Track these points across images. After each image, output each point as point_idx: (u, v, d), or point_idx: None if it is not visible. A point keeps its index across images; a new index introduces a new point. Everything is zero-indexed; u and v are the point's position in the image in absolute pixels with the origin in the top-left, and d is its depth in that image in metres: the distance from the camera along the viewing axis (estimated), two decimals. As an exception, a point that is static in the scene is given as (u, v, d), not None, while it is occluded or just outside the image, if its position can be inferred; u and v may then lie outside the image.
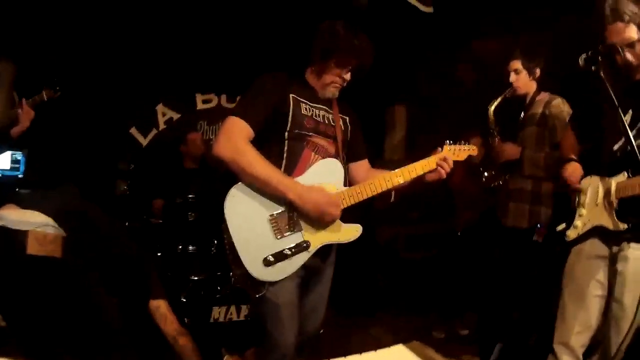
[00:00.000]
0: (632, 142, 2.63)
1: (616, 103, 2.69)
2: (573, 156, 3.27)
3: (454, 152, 3.16)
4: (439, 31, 5.69)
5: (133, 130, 7.17)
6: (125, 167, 6.41)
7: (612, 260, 2.98)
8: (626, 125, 2.68)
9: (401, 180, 2.98)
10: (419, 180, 3.06)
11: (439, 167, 3.04)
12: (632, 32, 2.83)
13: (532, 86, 4.42)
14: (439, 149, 3.13)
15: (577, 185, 3.12)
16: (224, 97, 7.59)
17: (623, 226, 2.88)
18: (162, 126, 7.28)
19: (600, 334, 3.06)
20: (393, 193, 3.16)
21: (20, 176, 6.05)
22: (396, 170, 3.00)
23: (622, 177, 2.91)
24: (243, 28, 6.17)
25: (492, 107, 4.44)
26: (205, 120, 7.48)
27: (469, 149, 3.22)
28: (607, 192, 2.98)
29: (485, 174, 4.62)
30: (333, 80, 3.03)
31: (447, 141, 3.19)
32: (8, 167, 5.99)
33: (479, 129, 4.58)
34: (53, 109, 4.35)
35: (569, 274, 3.20)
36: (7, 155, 5.95)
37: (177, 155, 6.27)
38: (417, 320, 5.93)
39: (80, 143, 6.39)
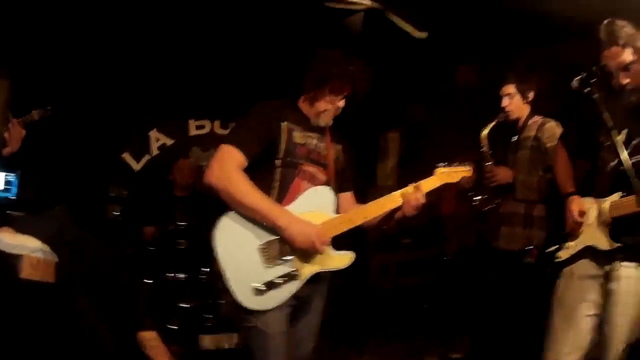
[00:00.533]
0: (623, 163, 2.66)
1: (610, 124, 2.73)
2: (571, 187, 3.28)
3: (447, 175, 3.16)
4: (433, 57, 5.76)
5: (126, 155, 7.15)
6: (117, 192, 6.46)
7: (605, 279, 3.00)
8: (618, 147, 2.70)
9: (394, 205, 2.99)
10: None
11: (409, 202, 3.00)
12: (627, 55, 2.89)
13: (525, 109, 4.45)
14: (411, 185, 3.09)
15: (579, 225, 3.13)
16: (217, 123, 7.57)
17: (616, 245, 2.91)
18: (155, 152, 7.26)
19: (593, 354, 3.07)
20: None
21: (12, 197, 6.05)
22: (389, 195, 3.02)
23: (616, 196, 2.94)
24: (237, 54, 6.20)
25: (486, 132, 4.45)
26: (199, 147, 7.45)
27: (463, 170, 3.22)
28: (600, 212, 3.02)
29: (478, 197, 4.63)
30: (327, 108, 3.03)
31: (441, 164, 3.20)
32: (1, 188, 5.99)
33: (471, 154, 4.61)
34: (48, 130, 4.37)
35: (559, 294, 3.21)
36: (1, 177, 5.95)
37: (168, 182, 6.29)
38: (410, 346, 5.92)
39: (73, 165, 6.42)
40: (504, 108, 4.42)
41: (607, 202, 2.99)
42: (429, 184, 3.10)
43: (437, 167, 3.18)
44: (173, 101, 6.97)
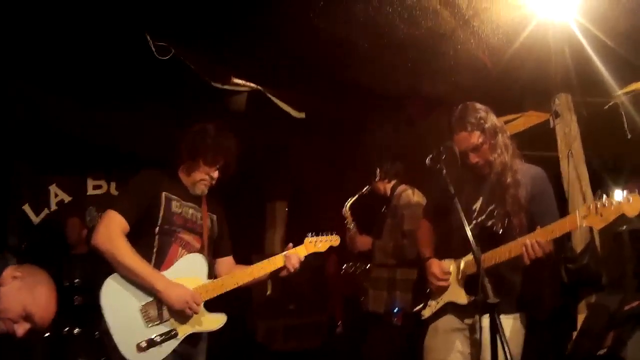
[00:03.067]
0: (467, 229, 2.85)
1: (453, 192, 2.98)
2: (429, 253, 3.51)
3: (314, 244, 3.50)
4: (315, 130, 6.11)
5: (26, 207, 7.10)
6: (15, 243, 6.48)
7: (471, 331, 3.22)
8: (462, 215, 2.91)
9: (262, 273, 3.33)
10: (275, 274, 3.40)
11: (285, 265, 3.36)
12: (474, 138, 3.19)
13: (384, 185, 4.86)
14: (290, 245, 3.45)
15: (445, 284, 3.33)
16: (113, 185, 7.65)
17: (470, 299, 3.16)
18: (53, 207, 7.26)
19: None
20: (270, 286, 3.46)
21: None
22: (256, 264, 3.35)
23: (470, 257, 3.16)
24: (137, 119, 6.37)
25: (349, 204, 4.89)
26: (94, 206, 7.49)
27: (330, 240, 3.56)
28: (457, 271, 3.28)
29: (344, 266, 5.04)
30: (202, 178, 3.34)
31: (309, 234, 3.51)
32: None
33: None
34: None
35: (427, 349, 3.40)
36: None
37: (64, 239, 6.38)
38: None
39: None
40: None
41: (462, 262, 3.25)
42: (296, 253, 3.43)
43: (306, 237, 3.51)
44: (73, 158, 7.00)
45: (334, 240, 3.59)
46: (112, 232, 3.06)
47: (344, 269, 5.08)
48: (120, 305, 3.02)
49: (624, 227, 4.51)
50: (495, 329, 2.53)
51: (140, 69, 4.96)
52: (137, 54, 4.57)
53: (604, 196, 2.69)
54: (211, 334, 3.34)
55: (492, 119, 3.28)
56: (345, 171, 6.13)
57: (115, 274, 3.07)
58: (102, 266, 5.35)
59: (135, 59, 4.72)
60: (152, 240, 3.21)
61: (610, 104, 4.99)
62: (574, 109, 5.04)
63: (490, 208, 3.27)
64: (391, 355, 4.64)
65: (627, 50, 4.36)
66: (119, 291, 3.05)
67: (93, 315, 5.10)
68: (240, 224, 3.66)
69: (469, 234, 2.83)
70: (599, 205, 2.68)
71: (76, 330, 5.39)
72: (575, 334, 4.57)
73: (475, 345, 3.18)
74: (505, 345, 2.49)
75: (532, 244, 2.86)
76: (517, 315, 3.24)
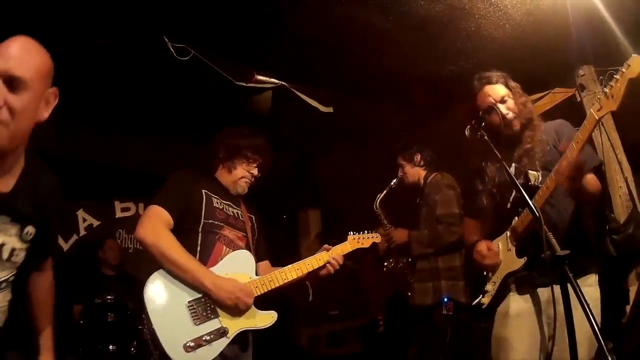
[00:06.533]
0: (519, 187, 2.63)
1: (499, 157, 2.82)
2: (474, 237, 3.35)
3: (358, 240, 3.53)
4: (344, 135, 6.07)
5: None
6: None
7: (542, 307, 2.99)
8: (512, 174, 2.73)
9: (309, 269, 3.32)
10: (314, 274, 3.38)
11: (327, 264, 3.37)
12: (500, 89, 3.14)
13: (419, 172, 4.80)
14: (326, 245, 3.47)
15: (491, 261, 3.16)
16: (141, 206, 7.59)
17: (523, 260, 2.94)
18: (82, 232, 7.23)
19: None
20: (311, 291, 3.39)
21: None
22: (303, 260, 3.35)
23: (513, 222, 3.03)
24: (160, 139, 6.49)
25: (378, 201, 4.86)
26: (124, 229, 7.51)
27: (373, 237, 3.59)
28: (505, 244, 3.10)
29: (385, 263, 4.92)
30: (243, 175, 3.38)
31: (351, 232, 3.55)
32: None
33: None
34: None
35: (501, 336, 3.12)
36: None
37: (96, 262, 6.36)
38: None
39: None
40: (397, 176, 4.84)
41: (507, 231, 3.08)
42: (341, 249, 3.47)
43: (349, 234, 3.56)
44: (100, 182, 6.97)
45: (376, 237, 3.65)
46: (157, 224, 2.99)
47: (385, 266, 4.97)
48: (166, 302, 2.88)
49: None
50: (569, 282, 2.29)
51: (160, 88, 5.06)
52: (158, 75, 4.72)
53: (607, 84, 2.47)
54: (255, 344, 3.26)
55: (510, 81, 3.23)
56: (375, 171, 6.08)
57: (160, 270, 2.95)
58: (134, 287, 5.57)
59: (156, 80, 4.85)
60: (196, 237, 3.13)
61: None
62: (598, 79, 5.03)
63: (524, 170, 3.08)
64: (438, 349, 4.45)
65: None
66: (164, 287, 2.91)
67: (126, 333, 5.28)
68: (273, 232, 3.61)
69: (520, 187, 2.63)
70: (606, 90, 2.45)
71: (111, 347, 5.31)
72: (628, 307, 4.46)
73: (551, 320, 2.92)
74: (584, 302, 2.20)
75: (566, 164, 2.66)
76: (594, 276, 3.03)
